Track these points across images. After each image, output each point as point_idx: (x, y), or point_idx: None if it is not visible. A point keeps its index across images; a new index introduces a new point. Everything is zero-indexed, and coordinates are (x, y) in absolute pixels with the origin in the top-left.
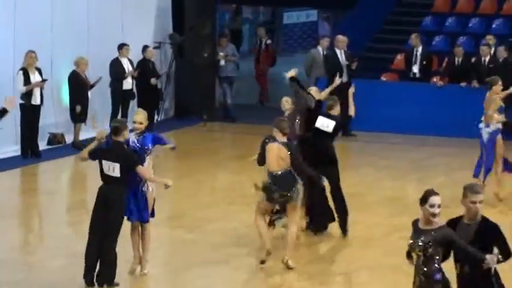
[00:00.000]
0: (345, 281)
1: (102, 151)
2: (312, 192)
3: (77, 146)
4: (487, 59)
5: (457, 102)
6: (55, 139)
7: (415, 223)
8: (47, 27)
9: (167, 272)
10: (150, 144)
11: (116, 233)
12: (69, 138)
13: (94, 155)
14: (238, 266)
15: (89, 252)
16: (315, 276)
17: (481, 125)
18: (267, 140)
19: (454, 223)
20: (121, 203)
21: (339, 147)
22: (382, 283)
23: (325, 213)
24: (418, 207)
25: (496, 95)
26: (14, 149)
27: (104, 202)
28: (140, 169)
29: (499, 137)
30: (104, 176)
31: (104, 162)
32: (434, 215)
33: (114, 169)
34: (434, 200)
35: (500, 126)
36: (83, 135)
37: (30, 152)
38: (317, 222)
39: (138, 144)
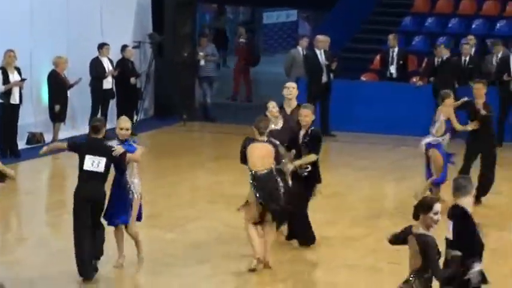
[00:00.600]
0: (324, 281)
1: (85, 147)
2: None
3: None
4: (467, 59)
5: (437, 103)
6: (34, 138)
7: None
8: (26, 26)
9: (148, 271)
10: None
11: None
12: (48, 138)
13: (75, 148)
14: (219, 264)
15: (80, 250)
16: (294, 275)
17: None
18: (247, 141)
19: None
20: (104, 199)
21: None
22: (362, 283)
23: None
24: (397, 207)
25: (448, 107)
26: None
27: (87, 202)
28: (129, 156)
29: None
30: (84, 173)
31: (87, 157)
32: (437, 222)
33: (99, 164)
34: (438, 206)
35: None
36: (62, 135)
37: (9, 152)
38: (302, 237)
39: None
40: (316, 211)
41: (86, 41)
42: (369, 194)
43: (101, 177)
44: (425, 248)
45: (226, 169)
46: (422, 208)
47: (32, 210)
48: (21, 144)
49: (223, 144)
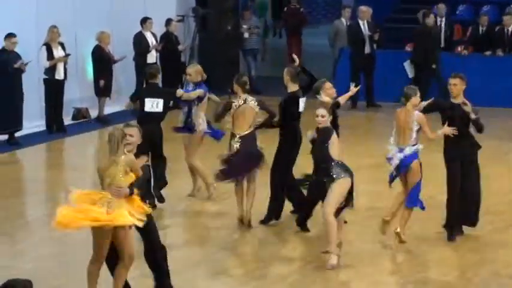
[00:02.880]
0: (371, 252)
1: (144, 91)
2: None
3: (102, 120)
4: (510, 28)
5: (482, 71)
6: (80, 114)
7: None
8: (70, 2)
9: (192, 243)
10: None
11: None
12: (94, 113)
13: (137, 96)
14: (266, 237)
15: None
16: (342, 245)
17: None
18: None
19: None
20: (160, 138)
21: (364, 118)
22: (407, 253)
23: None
24: (443, 176)
25: (414, 108)
26: (39, 124)
27: (145, 141)
28: (182, 95)
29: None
30: (144, 114)
31: (147, 100)
32: None
33: (157, 104)
34: None
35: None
36: (107, 110)
37: (55, 127)
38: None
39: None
40: (363, 182)
41: (130, 15)
42: None
43: (159, 116)
44: None
45: (271, 142)
46: None
47: (79, 185)
48: (67, 120)
49: None
